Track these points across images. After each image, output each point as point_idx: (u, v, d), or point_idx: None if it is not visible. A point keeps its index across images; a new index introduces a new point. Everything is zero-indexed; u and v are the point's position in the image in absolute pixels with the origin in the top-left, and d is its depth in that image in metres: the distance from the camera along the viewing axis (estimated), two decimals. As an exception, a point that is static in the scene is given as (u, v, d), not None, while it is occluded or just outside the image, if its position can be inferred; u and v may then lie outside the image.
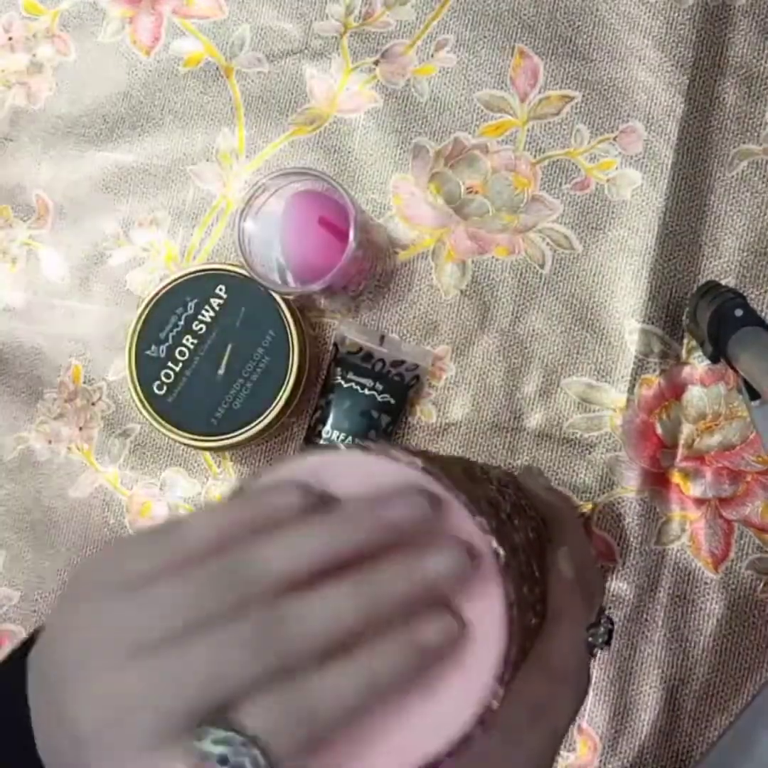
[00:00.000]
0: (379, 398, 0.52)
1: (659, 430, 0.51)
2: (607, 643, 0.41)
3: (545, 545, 0.36)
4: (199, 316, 0.52)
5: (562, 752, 0.51)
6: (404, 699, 0.24)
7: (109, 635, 0.24)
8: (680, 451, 0.51)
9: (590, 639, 0.41)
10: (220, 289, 0.52)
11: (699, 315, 0.49)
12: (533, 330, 0.53)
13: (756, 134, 0.52)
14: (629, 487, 0.51)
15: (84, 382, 0.57)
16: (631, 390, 0.52)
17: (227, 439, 0.51)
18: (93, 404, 0.57)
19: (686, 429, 0.51)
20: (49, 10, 0.60)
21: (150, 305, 0.52)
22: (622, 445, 0.52)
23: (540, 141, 0.54)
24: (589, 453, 0.52)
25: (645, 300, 0.52)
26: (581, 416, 0.52)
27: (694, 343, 0.51)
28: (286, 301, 0.51)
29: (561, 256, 0.53)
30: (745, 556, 0.50)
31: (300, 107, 0.57)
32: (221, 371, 0.51)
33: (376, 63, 0.56)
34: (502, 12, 0.55)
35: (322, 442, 0.52)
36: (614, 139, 0.53)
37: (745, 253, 0.51)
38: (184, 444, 0.51)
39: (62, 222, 0.58)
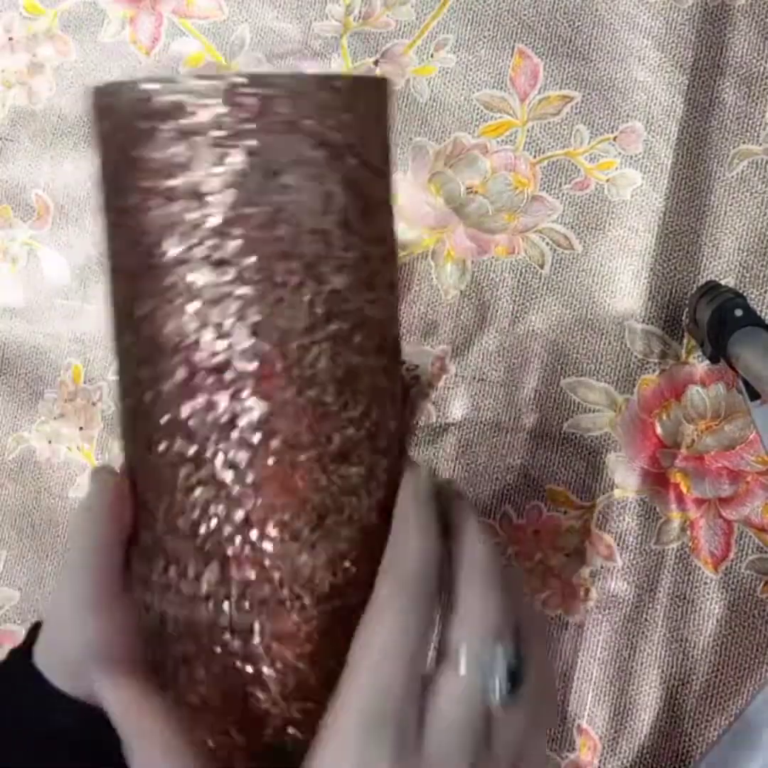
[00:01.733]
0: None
1: (659, 430, 0.51)
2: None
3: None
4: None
5: (561, 752, 0.51)
6: None
7: None
8: (680, 451, 0.51)
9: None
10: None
11: (699, 315, 0.49)
12: (533, 330, 0.53)
13: (756, 134, 0.52)
14: (629, 487, 0.51)
15: (84, 382, 0.57)
16: (631, 390, 0.52)
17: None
18: (94, 404, 0.57)
19: (686, 429, 0.51)
20: (50, 10, 0.60)
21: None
22: (622, 445, 0.52)
23: (540, 141, 0.54)
24: (589, 453, 0.52)
25: (645, 300, 0.52)
26: (581, 416, 0.52)
27: (694, 343, 0.51)
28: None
29: (561, 256, 0.53)
30: (745, 556, 0.50)
31: (300, 107, 0.57)
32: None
33: (376, 63, 0.56)
34: (501, 12, 0.55)
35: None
36: (614, 139, 0.53)
37: (744, 254, 0.51)
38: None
39: (62, 222, 0.58)
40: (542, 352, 0.53)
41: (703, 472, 0.51)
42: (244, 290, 0.26)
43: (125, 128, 0.28)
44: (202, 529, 0.27)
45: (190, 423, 0.26)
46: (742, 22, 0.52)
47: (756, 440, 0.50)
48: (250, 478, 0.26)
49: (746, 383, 0.47)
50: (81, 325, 0.58)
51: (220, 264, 0.26)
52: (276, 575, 0.27)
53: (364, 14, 0.56)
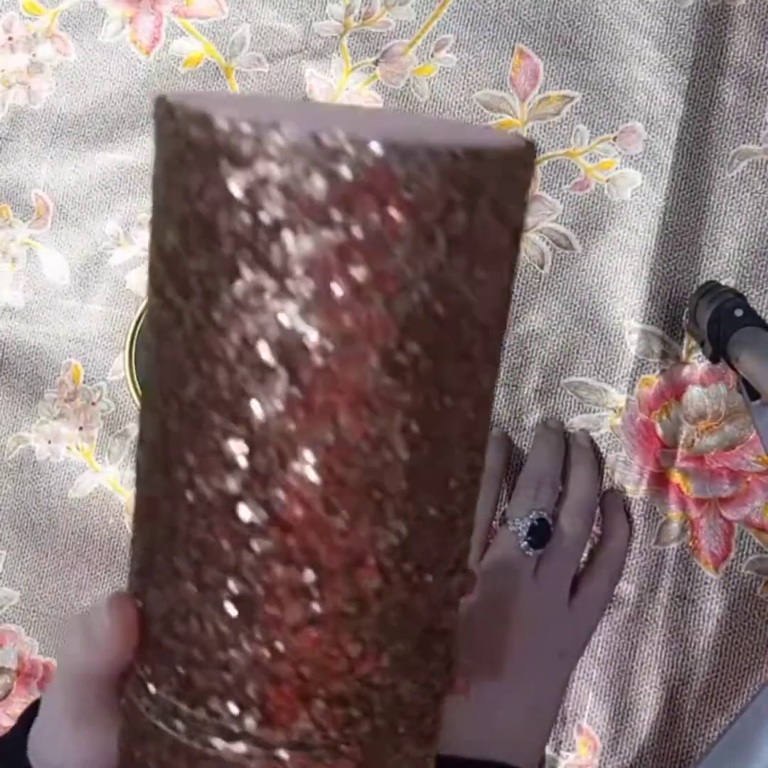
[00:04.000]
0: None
1: (659, 430, 0.51)
2: None
3: None
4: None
5: (561, 752, 0.51)
6: None
7: None
8: (680, 451, 0.51)
9: None
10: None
11: (699, 315, 0.49)
12: (533, 330, 0.53)
13: (756, 134, 0.52)
14: (629, 487, 0.51)
15: (84, 382, 0.57)
16: (631, 390, 0.52)
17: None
18: (93, 404, 0.57)
19: (686, 429, 0.51)
20: (49, 9, 0.60)
21: (150, 305, 0.52)
22: (622, 445, 0.52)
23: (540, 141, 0.54)
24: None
25: (645, 300, 0.52)
26: (581, 416, 0.52)
27: (694, 343, 0.51)
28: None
29: (561, 256, 0.53)
30: (745, 556, 0.50)
31: (300, 107, 0.57)
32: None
33: (376, 63, 0.56)
34: (502, 12, 0.55)
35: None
36: (614, 139, 0.53)
37: (745, 254, 0.51)
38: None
39: (62, 222, 0.58)
40: (542, 352, 0.53)
41: (703, 472, 0.51)
42: (406, 397, 0.23)
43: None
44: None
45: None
46: (743, 22, 0.52)
47: (756, 440, 0.50)
48: None
49: (746, 383, 0.47)
50: (81, 325, 0.58)
51: (398, 370, 0.23)
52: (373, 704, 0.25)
53: (365, 14, 0.56)
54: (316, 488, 0.23)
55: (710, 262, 0.52)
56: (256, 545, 0.24)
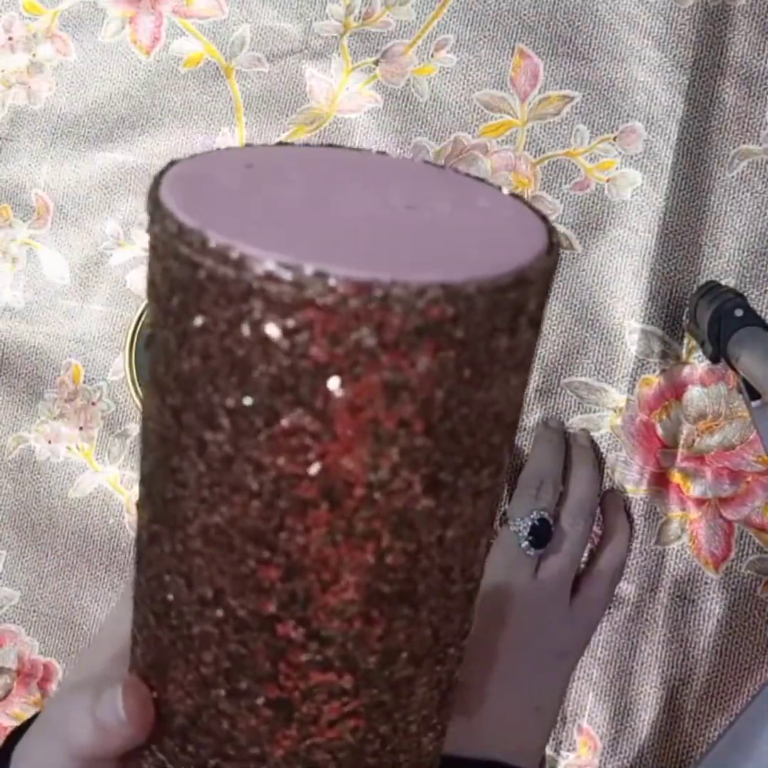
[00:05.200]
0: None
1: (659, 430, 0.51)
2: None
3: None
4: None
5: (561, 752, 0.51)
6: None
7: None
8: (680, 451, 0.51)
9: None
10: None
11: (699, 315, 0.49)
12: (533, 330, 0.53)
13: (756, 134, 0.52)
14: (629, 487, 0.51)
15: (84, 382, 0.57)
16: (631, 390, 0.52)
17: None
18: (93, 404, 0.57)
19: (686, 429, 0.51)
20: (49, 9, 0.60)
21: (150, 305, 0.52)
22: (622, 445, 0.52)
23: (540, 141, 0.54)
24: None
25: (645, 300, 0.52)
26: (581, 416, 0.52)
27: (694, 343, 0.51)
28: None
29: (561, 256, 0.53)
30: (745, 556, 0.50)
31: (300, 107, 0.57)
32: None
33: (376, 63, 0.56)
34: (502, 12, 0.55)
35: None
36: (614, 139, 0.53)
37: (745, 254, 0.51)
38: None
39: (62, 222, 0.58)
40: (542, 352, 0.53)
41: (703, 472, 0.51)
42: (445, 511, 0.23)
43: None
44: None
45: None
46: (743, 22, 0.52)
47: (756, 440, 0.50)
48: None
49: (746, 383, 0.47)
50: (81, 325, 0.58)
51: (439, 489, 0.22)
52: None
53: (365, 14, 0.56)
54: (356, 605, 0.23)
55: (710, 262, 0.52)
56: (293, 657, 0.23)
